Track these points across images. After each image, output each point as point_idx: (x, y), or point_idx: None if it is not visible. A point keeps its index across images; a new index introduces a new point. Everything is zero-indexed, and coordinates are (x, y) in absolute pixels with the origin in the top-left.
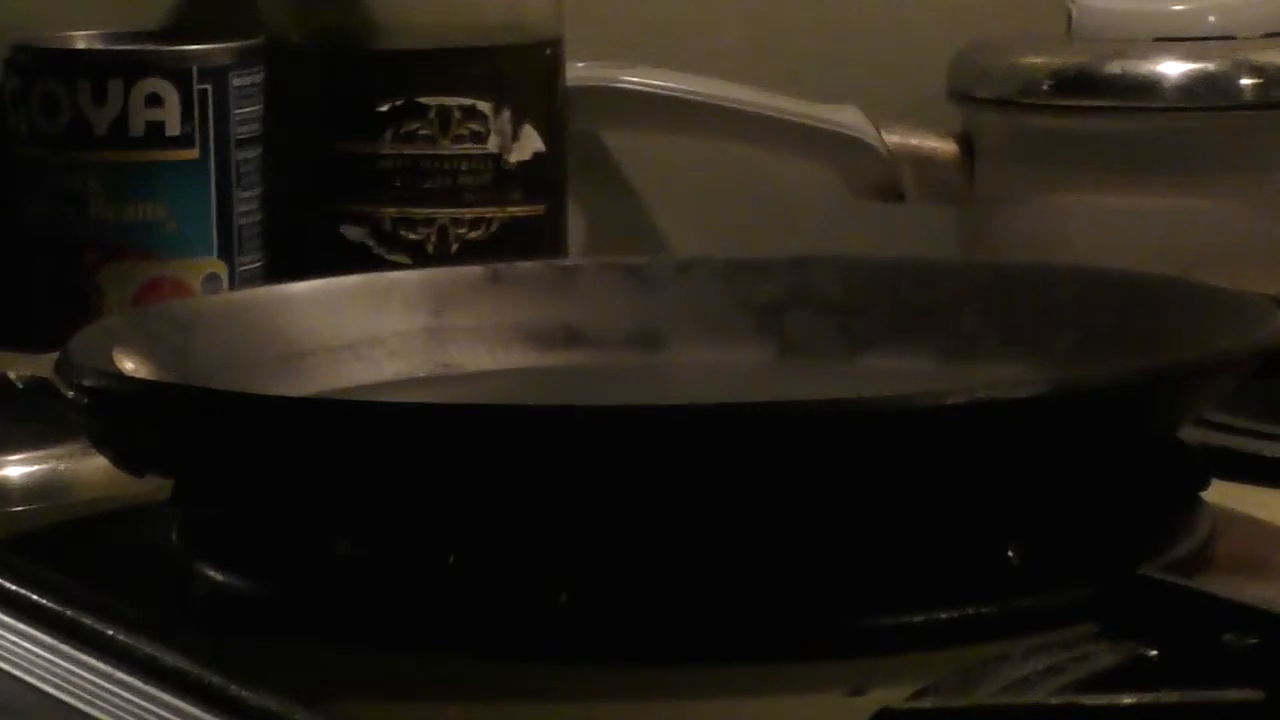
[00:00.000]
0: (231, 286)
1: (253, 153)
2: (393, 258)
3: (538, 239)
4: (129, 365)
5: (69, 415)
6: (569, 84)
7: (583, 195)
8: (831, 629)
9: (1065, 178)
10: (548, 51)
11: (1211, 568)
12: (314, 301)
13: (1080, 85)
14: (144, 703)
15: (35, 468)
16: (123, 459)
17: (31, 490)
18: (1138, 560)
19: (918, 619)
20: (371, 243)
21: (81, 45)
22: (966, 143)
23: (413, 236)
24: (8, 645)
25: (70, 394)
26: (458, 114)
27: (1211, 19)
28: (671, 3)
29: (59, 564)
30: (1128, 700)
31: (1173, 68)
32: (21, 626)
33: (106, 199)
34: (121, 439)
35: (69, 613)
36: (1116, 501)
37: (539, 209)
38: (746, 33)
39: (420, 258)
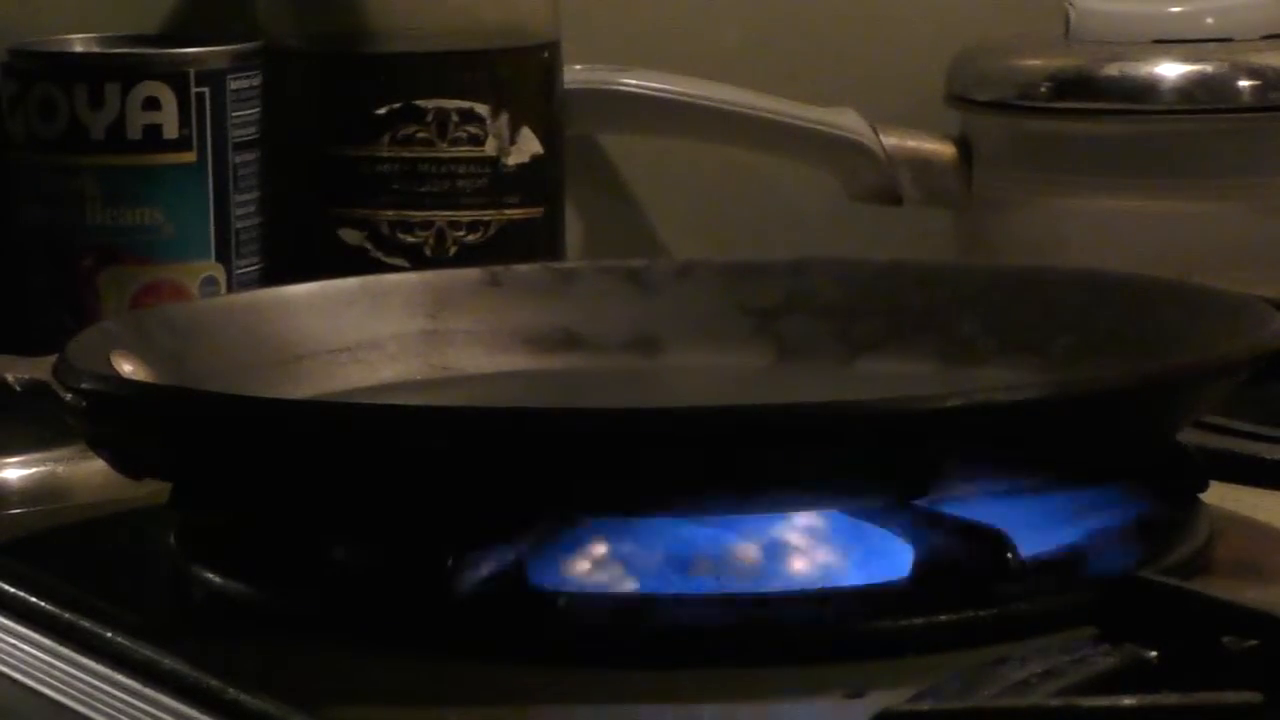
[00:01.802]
0: (229, 290)
1: (250, 156)
2: (390, 260)
3: (535, 242)
4: (127, 368)
5: (67, 418)
6: (567, 87)
7: (580, 198)
8: (830, 631)
9: (1063, 181)
10: (545, 54)
11: (1210, 570)
12: (312, 304)
13: (1078, 88)
14: (143, 705)
15: (33, 470)
16: (121, 462)
17: (30, 493)
18: (1137, 563)
19: (917, 622)
20: (369, 246)
21: (78, 49)
22: (964, 146)
23: (410, 239)
24: (6, 648)
25: (68, 397)
26: (455, 117)
27: (1209, 21)
28: (669, 6)
29: (57, 567)
30: (1127, 702)
31: (1171, 70)
32: (20, 629)
33: (104, 203)
34: (119, 442)
35: (67, 616)
36: (1115, 504)
37: (537, 212)
38: (744, 36)
39: (418, 261)
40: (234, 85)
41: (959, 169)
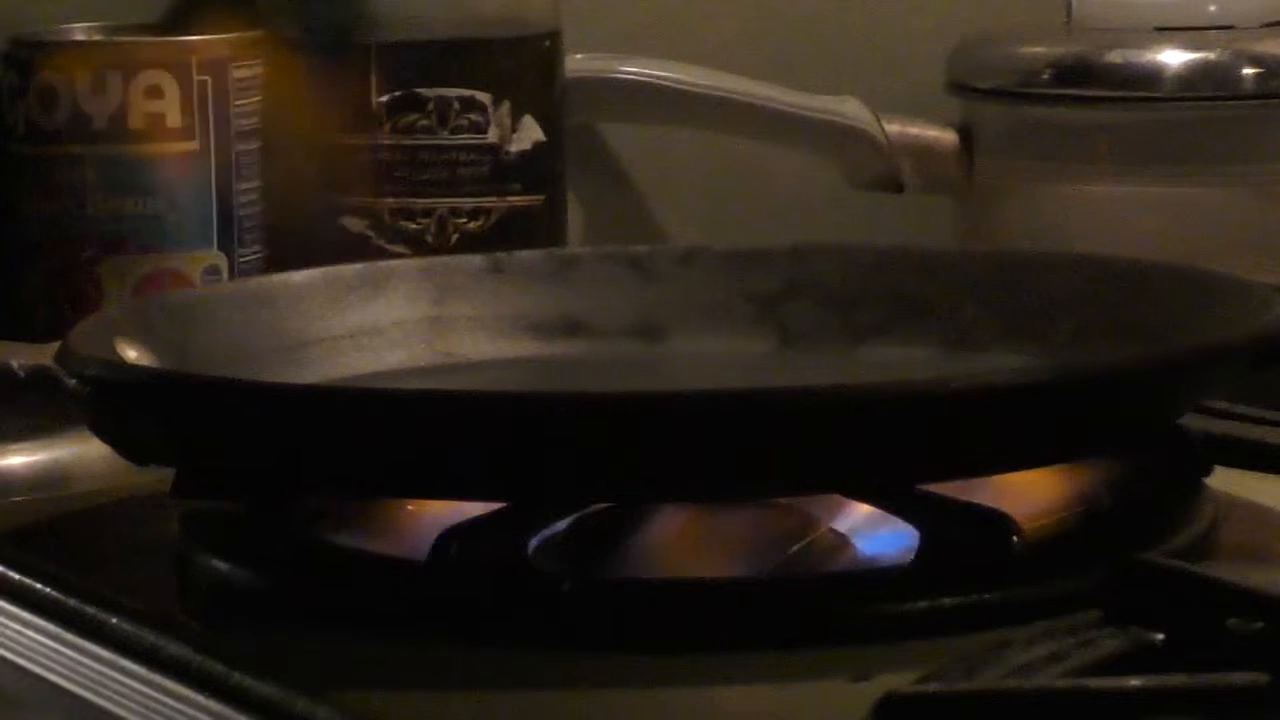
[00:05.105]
0: (231, 279)
1: (252, 145)
2: (392, 248)
3: (537, 229)
4: (131, 355)
5: (70, 405)
6: (568, 75)
7: (581, 186)
8: (836, 615)
9: (1064, 168)
10: (546, 43)
11: (1215, 553)
12: (314, 291)
13: (1080, 75)
14: (147, 690)
15: (37, 457)
16: (124, 448)
17: (33, 480)
18: (1141, 546)
19: (922, 605)
20: (371, 234)
21: (80, 38)
22: (966, 133)
23: (412, 227)
24: (11, 635)
25: (72, 383)
26: (456, 105)
27: (1211, 8)
28: None
29: (61, 554)
30: (1133, 684)
31: (1173, 57)
32: (24, 616)
33: (105, 193)
34: (123, 428)
35: (71, 602)
36: (1120, 488)
37: (538, 200)
38: (745, 24)
39: (419, 248)
40: (236, 74)
41: (960, 157)
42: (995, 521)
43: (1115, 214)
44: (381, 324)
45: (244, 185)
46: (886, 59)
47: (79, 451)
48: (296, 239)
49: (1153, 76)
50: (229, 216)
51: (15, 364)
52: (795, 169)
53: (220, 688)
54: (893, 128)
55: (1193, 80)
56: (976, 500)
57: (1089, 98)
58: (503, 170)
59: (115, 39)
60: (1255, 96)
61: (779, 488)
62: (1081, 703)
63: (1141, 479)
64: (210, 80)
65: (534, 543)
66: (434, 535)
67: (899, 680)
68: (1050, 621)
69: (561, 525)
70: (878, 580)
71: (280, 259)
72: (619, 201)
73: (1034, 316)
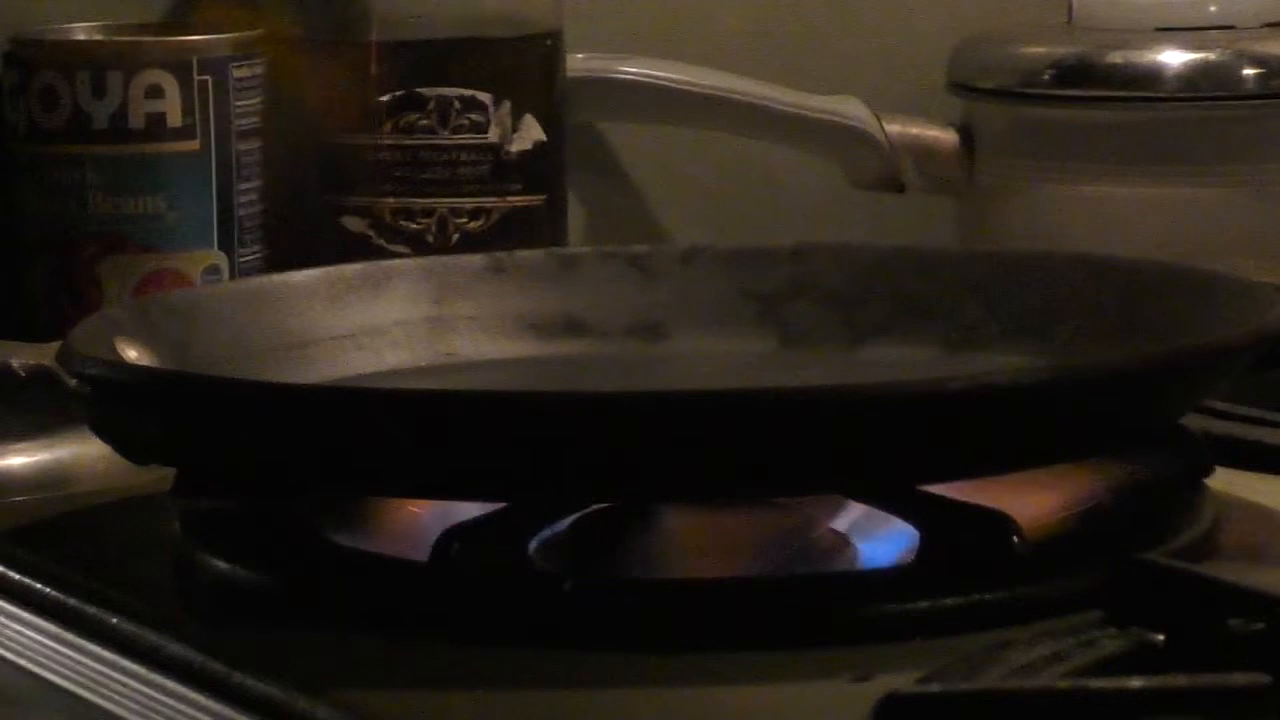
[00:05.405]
0: (232, 279)
1: (253, 144)
2: (393, 248)
3: (538, 229)
4: (131, 354)
5: (71, 405)
6: (569, 75)
7: (582, 186)
8: (837, 615)
9: (1065, 168)
10: (547, 43)
11: (1216, 554)
12: (315, 291)
13: (1081, 75)
14: (148, 690)
15: (38, 457)
16: (125, 447)
17: (34, 480)
18: (1142, 546)
19: (923, 605)
20: (372, 234)
21: (81, 37)
22: (966, 133)
23: (413, 227)
24: (12, 635)
25: (72, 383)
26: (457, 105)
27: (1212, 9)
28: None
29: (62, 554)
30: (1135, 684)
31: (1174, 57)
32: (25, 616)
33: (106, 192)
34: (124, 427)
35: (72, 602)
36: (1120, 488)
37: (539, 199)
38: (745, 24)
39: (420, 248)
40: (237, 73)
41: (961, 156)
42: (995, 521)
43: (1115, 214)
44: (382, 324)
45: (244, 185)
46: (887, 59)
47: (79, 451)
48: (296, 239)
49: (1153, 76)
50: (229, 216)
51: (16, 363)
52: (796, 169)
53: (221, 688)
54: (893, 128)
55: (1193, 80)
56: (976, 500)
57: (1089, 98)
58: (503, 170)
59: (115, 38)
60: (1255, 96)
61: (779, 488)
62: (1082, 703)
63: (1141, 479)
64: (210, 80)
65: (534, 543)
66: (434, 535)
67: (900, 680)
68: (1051, 621)
69: (562, 525)
70: (878, 580)
71: (280, 259)
72: (619, 201)
73: (1034, 316)
